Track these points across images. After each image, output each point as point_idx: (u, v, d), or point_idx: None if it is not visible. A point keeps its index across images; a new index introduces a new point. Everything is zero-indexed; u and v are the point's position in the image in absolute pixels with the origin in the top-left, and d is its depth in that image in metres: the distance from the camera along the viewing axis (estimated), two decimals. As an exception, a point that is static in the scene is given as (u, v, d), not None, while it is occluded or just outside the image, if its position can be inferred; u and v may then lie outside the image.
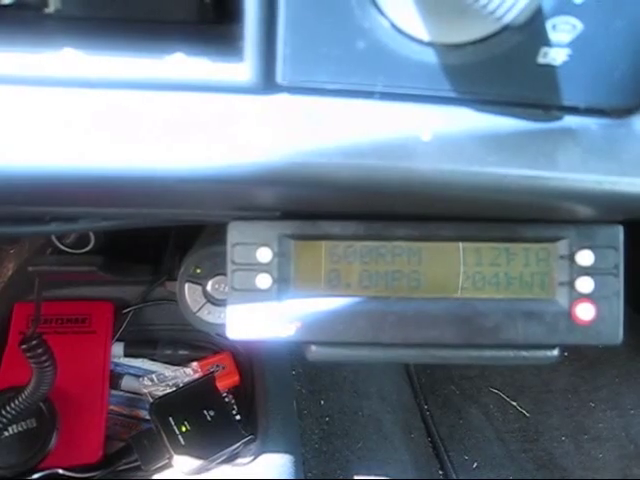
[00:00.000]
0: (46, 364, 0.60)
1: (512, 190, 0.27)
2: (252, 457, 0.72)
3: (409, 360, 0.37)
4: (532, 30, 0.27)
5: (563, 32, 0.27)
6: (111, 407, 0.79)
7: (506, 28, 0.26)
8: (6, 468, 0.67)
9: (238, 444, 0.71)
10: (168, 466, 0.70)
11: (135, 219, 0.36)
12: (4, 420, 0.63)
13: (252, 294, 0.37)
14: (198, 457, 0.69)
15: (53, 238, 0.65)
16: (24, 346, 0.59)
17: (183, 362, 0.83)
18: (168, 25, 0.34)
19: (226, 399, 0.77)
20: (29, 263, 0.64)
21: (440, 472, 0.98)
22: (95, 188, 0.27)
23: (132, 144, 0.26)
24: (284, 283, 0.37)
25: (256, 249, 0.37)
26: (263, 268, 0.37)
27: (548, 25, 0.27)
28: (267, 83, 0.27)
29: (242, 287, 0.37)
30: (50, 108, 0.27)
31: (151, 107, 0.27)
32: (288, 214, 0.36)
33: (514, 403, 1.07)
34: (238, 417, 0.76)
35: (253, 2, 0.25)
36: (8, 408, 0.63)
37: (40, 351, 0.59)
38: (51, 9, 0.35)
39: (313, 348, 0.38)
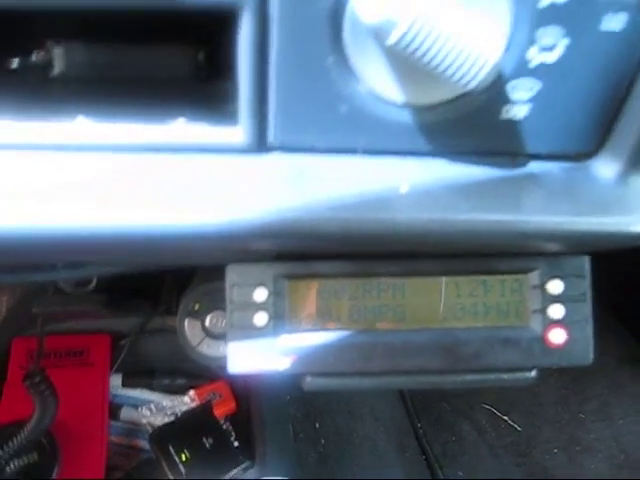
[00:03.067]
0: (49, 399, 0.61)
1: (482, 233, 0.30)
2: (251, 482, 0.74)
3: (398, 387, 0.40)
4: (495, 91, 0.30)
5: (522, 91, 0.30)
6: (111, 438, 0.80)
7: (472, 91, 0.29)
8: (10, 502, 0.68)
9: (236, 469, 0.73)
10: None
11: (139, 265, 0.38)
12: (7, 455, 0.64)
13: (250, 331, 0.39)
14: (199, 485, 0.71)
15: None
16: (27, 382, 0.61)
17: (180, 391, 0.85)
18: (166, 86, 0.37)
19: (224, 426, 0.79)
20: (31, 302, 0.66)
21: (435, 489, 1.00)
22: (104, 245, 0.30)
23: (140, 204, 0.29)
24: (280, 320, 0.40)
25: (253, 289, 0.39)
26: (260, 306, 0.39)
27: (509, 87, 0.30)
28: (260, 144, 0.30)
29: (240, 325, 0.39)
30: (65, 171, 0.29)
31: (156, 169, 0.30)
32: (282, 255, 0.39)
33: (506, 418, 1.08)
34: (236, 443, 0.77)
35: (247, 75, 0.28)
36: (11, 443, 0.64)
37: (43, 387, 0.61)
38: (56, 72, 0.38)
39: (308, 379, 0.41)
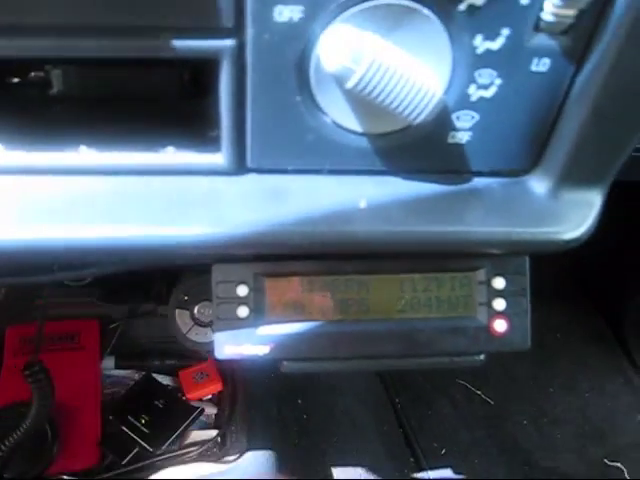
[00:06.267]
0: (47, 389, 0.65)
1: (429, 243, 0.35)
2: (238, 454, 0.80)
3: (363, 369, 0.46)
4: (441, 121, 0.35)
5: (465, 121, 0.35)
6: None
7: (420, 122, 0.34)
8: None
9: (192, 416, 0.82)
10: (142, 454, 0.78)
11: (135, 266, 0.43)
12: (12, 441, 0.69)
13: (233, 322, 0.45)
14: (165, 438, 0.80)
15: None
16: (26, 372, 0.64)
17: (170, 371, 0.90)
18: (155, 104, 0.41)
19: (169, 387, 0.87)
20: (25, 292, 0.70)
21: (411, 459, 1.03)
22: (110, 253, 0.35)
23: (139, 219, 0.34)
24: (259, 312, 0.45)
25: (236, 286, 0.44)
26: (242, 301, 0.45)
27: (453, 117, 0.35)
28: (239, 167, 0.35)
29: (225, 317, 0.45)
30: (73, 192, 0.34)
31: (151, 189, 0.34)
32: (261, 256, 0.44)
33: (479, 392, 1.13)
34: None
35: (227, 111, 0.33)
36: (14, 434, 0.68)
37: (41, 376, 0.64)
38: (54, 90, 0.42)
39: (285, 363, 0.46)
